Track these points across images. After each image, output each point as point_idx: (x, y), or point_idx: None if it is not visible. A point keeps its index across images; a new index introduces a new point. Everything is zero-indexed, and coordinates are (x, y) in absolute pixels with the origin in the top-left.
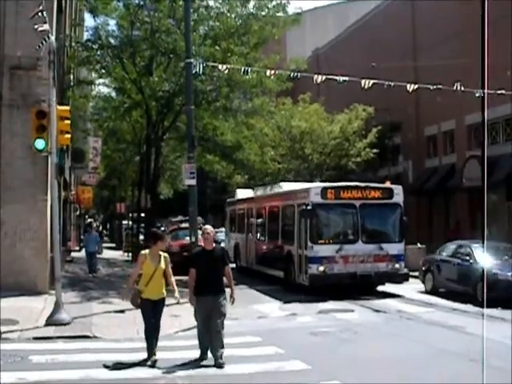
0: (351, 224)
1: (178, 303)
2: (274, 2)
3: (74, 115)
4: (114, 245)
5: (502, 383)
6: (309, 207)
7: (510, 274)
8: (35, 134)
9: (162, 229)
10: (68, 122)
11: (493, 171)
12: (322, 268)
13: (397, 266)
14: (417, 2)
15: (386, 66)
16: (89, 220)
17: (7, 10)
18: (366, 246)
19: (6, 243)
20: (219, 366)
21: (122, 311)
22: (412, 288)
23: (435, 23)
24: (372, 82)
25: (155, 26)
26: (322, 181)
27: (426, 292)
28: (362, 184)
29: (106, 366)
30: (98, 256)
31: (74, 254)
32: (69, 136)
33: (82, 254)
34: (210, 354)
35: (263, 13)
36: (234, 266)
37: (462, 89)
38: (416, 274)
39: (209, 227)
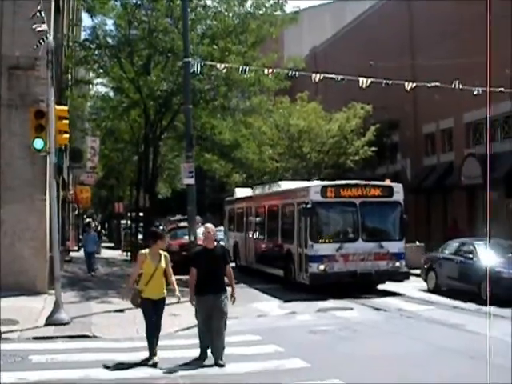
0: (351, 222)
1: (178, 302)
2: (271, 1)
3: (72, 115)
4: (112, 244)
5: (502, 382)
6: (309, 206)
7: None
8: (34, 134)
9: (161, 228)
10: (66, 121)
11: (492, 169)
12: (322, 267)
13: (397, 264)
14: (413, 2)
15: (383, 65)
16: (87, 220)
17: (5, 9)
18: (366, 245)
19: (5, 243)
20: (220, 365)
21: (121, 310)
22: (413, 286)
23: (432, 23)
24: (370, 80)
25: (153, 25)
26: (320, 179)
27: (429, 290)
28: (362, 182)
29: (106, 367)
30: (96, 256)
31: (72, 254)
32: (67, 136)
33: (81, 253)
34: (209, 353)
35: (261, 12)
36: (233, 264)
37: (461, 87)
38: (415, 271)
39: (210, 226)
